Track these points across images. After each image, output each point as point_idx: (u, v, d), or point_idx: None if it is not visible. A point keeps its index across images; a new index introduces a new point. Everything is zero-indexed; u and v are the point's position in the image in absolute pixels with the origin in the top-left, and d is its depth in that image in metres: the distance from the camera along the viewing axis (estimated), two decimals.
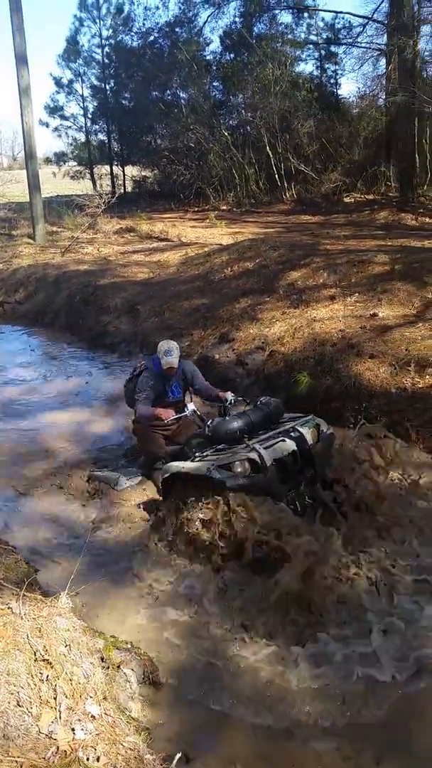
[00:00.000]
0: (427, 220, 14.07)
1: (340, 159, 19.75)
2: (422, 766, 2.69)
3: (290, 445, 4.10)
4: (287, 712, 2.97)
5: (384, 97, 18.95)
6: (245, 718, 2.98)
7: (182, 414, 4.69)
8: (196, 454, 4.27)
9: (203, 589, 3.79)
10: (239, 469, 3.83)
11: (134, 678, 3.05)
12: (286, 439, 4.13)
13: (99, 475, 5.27)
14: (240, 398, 5.08)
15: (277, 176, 20.12)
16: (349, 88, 37.67)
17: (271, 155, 20.03)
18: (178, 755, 2.43)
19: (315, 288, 8.73)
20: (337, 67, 22.30)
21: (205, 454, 4.21)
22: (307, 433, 4.22)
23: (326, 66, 22.61)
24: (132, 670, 3.07)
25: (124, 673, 3.00)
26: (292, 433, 4.20)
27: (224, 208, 20.10)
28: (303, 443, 4.15)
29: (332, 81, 22.80)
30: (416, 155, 17.02)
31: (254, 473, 3.86)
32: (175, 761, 2.40)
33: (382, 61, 19.18)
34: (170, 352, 4.85)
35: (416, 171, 16.82)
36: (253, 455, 3.89)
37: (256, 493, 3.80)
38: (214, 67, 22.90)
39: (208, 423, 4.34)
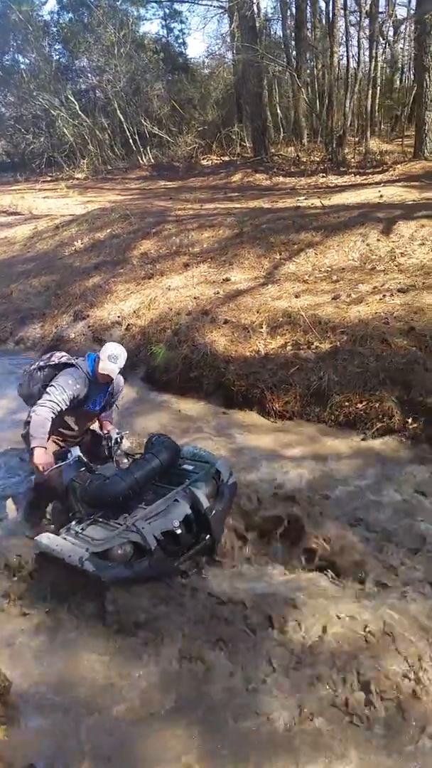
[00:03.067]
0: (281, 179, 14.20)
1: (193, 121, 19.50)
2: None
3: (183, 509, 3.49)
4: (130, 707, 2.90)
5: (230, 56, 18.85)
6: (97, 721, 2.86)
7: (63, 463, 3.78)
8: (72, 524, 3.58)
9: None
10: (119, 552, 3.27)
11: None
12: (179, 500, 3.54)
13: None
14: (126, 433, 4.31)
15: (131, 141, 19.54)
16: (197, 48, 37.03)
17: (122, 119, 19.37)
18: None
19: (168, 256, 8.56)
20: (183, 26, 21.99)
21: (81, 527, 3.53)
22: (203, 492, 3.59)
23: (172, 25, 22.19)
24: None
25: None
26: (185, 493, 3.60)
27: (80, 176, 19.29)
28: (197, 505, 3.53)
29: (179, 41, 22.46)
30: (268, 114, 17.11)
31: (138, 554, 3.31)
32: None
33: (227, 19, 19.01)
34: (117, 359, 3.98)
35: (268, 130, 16.92)
36: (135, 537, 3.31)
37: (138, 582, 3.29)
38: (54, 29, 21.71)
39: (86, 484, 3.65)
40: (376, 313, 6.02)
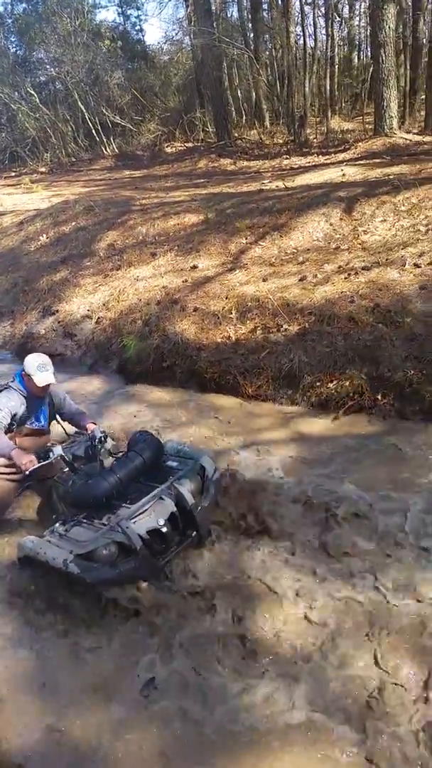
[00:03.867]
0: (245, 163, 14.16)
1: (155, 108, 19.32)
2: None
3: (168, 506, 3.46)
4: None
5: (188, 41, 18.67)
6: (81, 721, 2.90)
7: (45, 461, 3.74)
8: (56, 526, 3.51)
9: None
10: (104, 553, 3.22)
11: None
12: (164, 498, 3.49)
13: None
14: (107, 434, 4.11)
15: (94, 132, 19.32)
16: (155, 34, 36.50)
17: (84, 110, 19.13)
18: None
19: (135, 246, 8.51)
20: (139, 12, 21.71)
21: (65, 528, 3.47)
22: (188, 488, 3.56)
23: (128, 12, 21.92)
24: None
25: None
26: (170, 490, 3.55)
27: (44, 169, 19.05)
28: (182, 501, 3.50)
29: (136, 28, 22.28)
30: (229, 98, 16.99)
31: (123, 554, 3.26)
32: None
33: (183, 4, 18.81)
34: (45, 367, 3.90)
35: (230, 114, 16.83)
36: (120, 537, 3.25)
37: (124, 582, 3.28)
38: (9, 20, 21.30)
39: (69, 485, 3.61)
40: (341, 292, 6.08)
